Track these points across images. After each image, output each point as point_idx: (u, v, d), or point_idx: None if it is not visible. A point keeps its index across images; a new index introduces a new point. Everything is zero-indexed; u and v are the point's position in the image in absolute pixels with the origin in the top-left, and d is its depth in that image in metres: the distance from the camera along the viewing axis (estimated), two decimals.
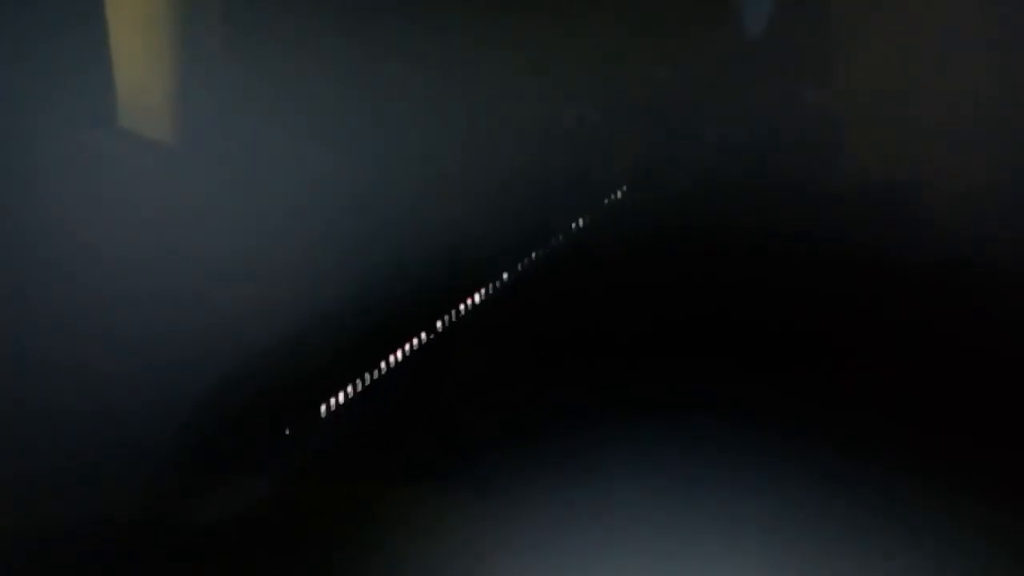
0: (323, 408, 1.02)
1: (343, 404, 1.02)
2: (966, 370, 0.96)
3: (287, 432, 1.01)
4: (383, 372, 1.03)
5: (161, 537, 0.96)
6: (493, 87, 1.03)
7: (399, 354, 1.03)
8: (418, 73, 1.04)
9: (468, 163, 1.04)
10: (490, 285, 1.04)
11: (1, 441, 0.98)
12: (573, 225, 1.03)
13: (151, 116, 1.06)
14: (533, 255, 1.03)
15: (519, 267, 1.04)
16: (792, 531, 0.93)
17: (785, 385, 0.98)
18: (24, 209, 1.03)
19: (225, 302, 1.04)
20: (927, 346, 0.97)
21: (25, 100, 1.03)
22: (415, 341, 1.03)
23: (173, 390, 1.00)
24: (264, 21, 1.05)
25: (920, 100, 0.97)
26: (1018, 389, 0.94)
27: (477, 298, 1.04)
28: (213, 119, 1.05)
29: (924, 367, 0.97)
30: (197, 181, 1.05)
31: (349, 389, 1.02)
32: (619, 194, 1.04)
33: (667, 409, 0.98)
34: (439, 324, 1.04)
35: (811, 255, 0.97)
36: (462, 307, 1.04)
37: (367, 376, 1.02)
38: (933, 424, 0.95)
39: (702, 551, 0.92)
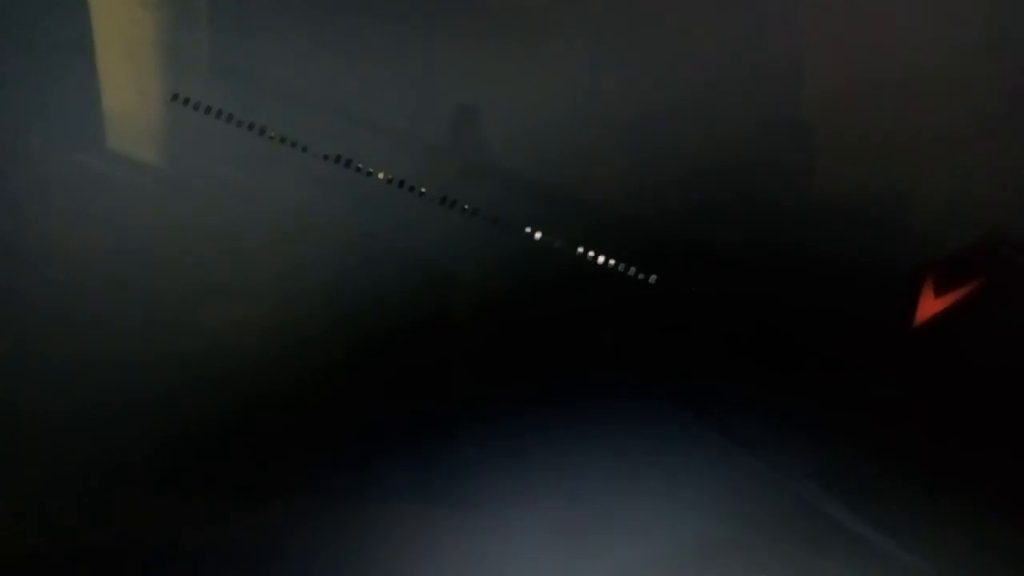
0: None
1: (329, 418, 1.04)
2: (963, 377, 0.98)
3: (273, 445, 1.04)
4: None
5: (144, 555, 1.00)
6: None
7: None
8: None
9: None
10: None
11: None
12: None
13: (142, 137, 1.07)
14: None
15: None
16: (787, 532, 0.97)
17: (780, 390, 1.00)
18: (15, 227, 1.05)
19: (212, 318, 1.06)
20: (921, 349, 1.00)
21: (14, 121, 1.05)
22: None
23: (157, 407, 1.02)
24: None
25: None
26: (1017, 393, 0.96)
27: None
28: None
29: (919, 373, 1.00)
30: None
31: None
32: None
33: (659, 413, 1.01)
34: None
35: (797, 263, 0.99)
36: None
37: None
38: (931, 429, 0.97)
39: (694, 553, 0.96)
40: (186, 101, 1.03)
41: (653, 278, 1.00)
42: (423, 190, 1.01)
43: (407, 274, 1.04)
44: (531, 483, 1.01)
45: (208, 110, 1.02)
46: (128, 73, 1.07)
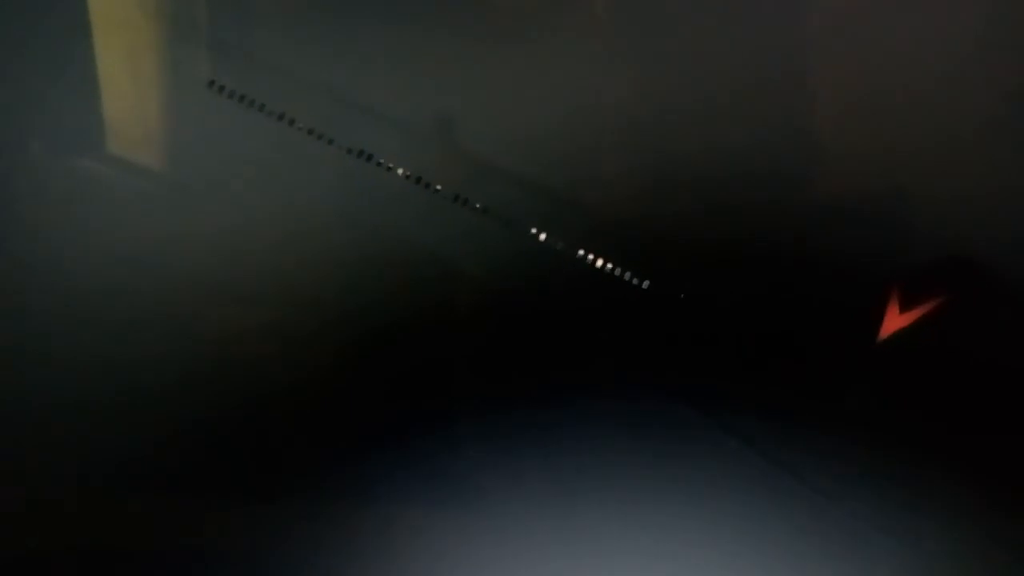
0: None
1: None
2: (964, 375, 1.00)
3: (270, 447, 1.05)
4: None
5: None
6: None
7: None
8: None
9: None
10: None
11: None
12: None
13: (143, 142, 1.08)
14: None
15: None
16: (789, 531, 0.98)
17: (782, 392, 1.01)
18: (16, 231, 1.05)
19: (211, 318, 1.07)
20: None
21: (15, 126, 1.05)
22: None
23: (159, 408, 1.03)
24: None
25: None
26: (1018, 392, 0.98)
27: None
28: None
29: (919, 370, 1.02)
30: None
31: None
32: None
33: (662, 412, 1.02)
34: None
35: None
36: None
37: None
38: (933, 429, 0.99)
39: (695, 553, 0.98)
40: (221, 89, 1.00)
41: (658, 280, 1.02)
42: (438, 187, 1.00)
43: (409, 272, 1.05)
44: (534, 484, 1.02)
45: (242, 99, 1.00)
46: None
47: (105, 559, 1.02)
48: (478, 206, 1.02)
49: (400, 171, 1.02)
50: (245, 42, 1.05)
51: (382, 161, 1.02)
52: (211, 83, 1.02)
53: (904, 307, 1.04)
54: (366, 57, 1.02)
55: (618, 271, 1.03)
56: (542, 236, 1.03)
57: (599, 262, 1.03)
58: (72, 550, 1.02)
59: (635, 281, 1.03)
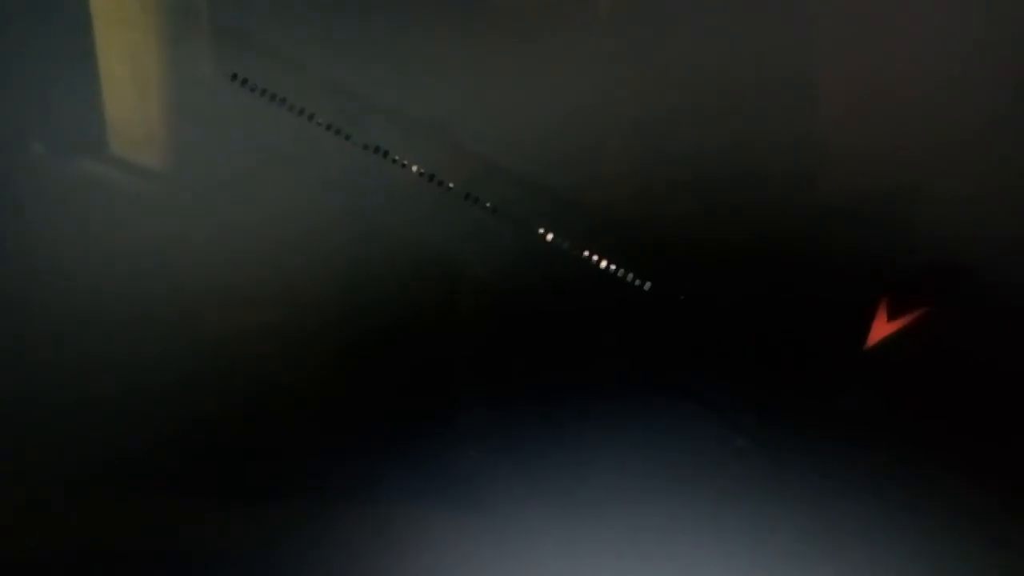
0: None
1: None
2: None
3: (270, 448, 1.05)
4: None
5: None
6: None
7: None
8: None
9: None
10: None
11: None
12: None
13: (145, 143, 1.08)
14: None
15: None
16: (789, 531, 0.99)
17: (782, 391, 1.02)
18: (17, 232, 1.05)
19: (213, 317, 1.07)
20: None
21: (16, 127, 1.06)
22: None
23: (159, 407, 1.04)
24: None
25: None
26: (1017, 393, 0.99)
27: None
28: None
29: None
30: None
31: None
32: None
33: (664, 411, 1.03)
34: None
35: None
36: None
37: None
38: (932, 429, 1.00)
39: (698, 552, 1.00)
40: (244, 82, 1.00)
41: (659, 280, 1.03)
42: (451, 185, 1.00)
43: (414, 270, 1.05)
44: (535, 484, 1.03)
45: (264, 92, 1.00)
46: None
47: (105, 559, 1.02)
48: (488, 205, 1.03)
49: (414, 168, 1.02)
50: (252, 38, 1.06)
51: (396, 158, 1.02)
52: (233, 76, 1.03)
53: (902, 308, 1.05)
54: (377, 54, 1.03)
55: (621, 271, 1.03)
56: (548, 236, 1.04)
57: (603, 262, 1.04)
58: (72, 550, 1.02)
59: (637, 281, 1.03)
